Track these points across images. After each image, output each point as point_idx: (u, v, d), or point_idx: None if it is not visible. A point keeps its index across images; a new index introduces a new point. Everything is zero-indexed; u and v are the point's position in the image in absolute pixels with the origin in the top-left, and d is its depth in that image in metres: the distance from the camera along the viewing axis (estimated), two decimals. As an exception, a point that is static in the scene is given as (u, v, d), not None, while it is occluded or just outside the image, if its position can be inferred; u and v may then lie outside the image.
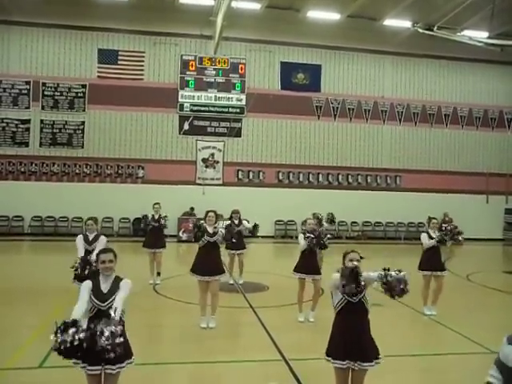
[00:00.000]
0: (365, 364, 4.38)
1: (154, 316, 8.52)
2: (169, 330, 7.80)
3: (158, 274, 11.15)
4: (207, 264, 7.73)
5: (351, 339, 4.35)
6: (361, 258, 4.61)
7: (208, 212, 8.15)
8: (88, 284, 4.38)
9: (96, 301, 4.28)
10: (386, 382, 5.77)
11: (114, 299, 4.28)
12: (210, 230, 7.90)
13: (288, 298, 9.11)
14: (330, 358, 4.46)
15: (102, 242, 7.71)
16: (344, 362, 4.38)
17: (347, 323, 4.40)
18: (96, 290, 4.33)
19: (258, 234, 20.10)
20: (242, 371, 6.17)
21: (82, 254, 7.39)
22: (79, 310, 4.15)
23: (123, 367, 4.26)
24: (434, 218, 9.22)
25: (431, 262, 8.89)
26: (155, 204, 11.37)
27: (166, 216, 11.19)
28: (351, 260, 4.49)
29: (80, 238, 7.83)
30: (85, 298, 4.29)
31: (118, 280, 4.43)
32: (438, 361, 6.71)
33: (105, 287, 4.36)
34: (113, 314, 3.99)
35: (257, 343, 7.21)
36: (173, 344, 7.28)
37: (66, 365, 5.50)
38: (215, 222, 8.01)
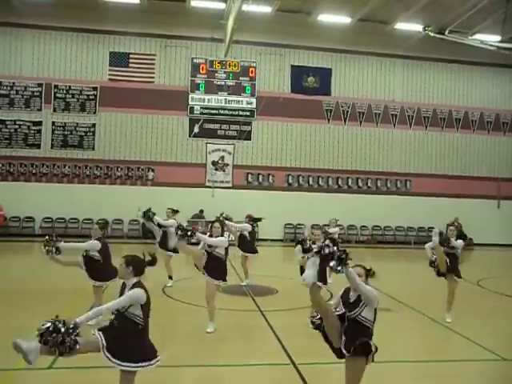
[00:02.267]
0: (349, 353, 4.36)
1: (161, 318, 8.49)
2: (177, 332, 7.80)
3: (170, 277, 11.17)
4: (207, 267, 7.70)
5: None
6: (368, 270, 4.58)
7: (214, 222, 8.13)
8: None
9: None
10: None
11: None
12: None
13: (297, 302, 9.08)
14: None
15: (89, 245, 7.73)
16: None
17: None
18: (120, 293, 4.63)
19: (267, 237, 20.11)
20: (250, 375, 6.15)
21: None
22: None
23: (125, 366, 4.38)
24: (450, 225, 9.01)
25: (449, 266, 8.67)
26: (168, 209, 11.36)
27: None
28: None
29: None
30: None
31: (134, 287, 4.57)
32: (448, 367, 6.65)
33: (127, 291, 4.56)
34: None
35: (265, 347, 7.20)
36: (181, 346, 7.28)
37: (76, 366, 5.53)
38: (222, 233, 7.95)
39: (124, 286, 4.65)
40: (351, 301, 4.44)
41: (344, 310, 4.45)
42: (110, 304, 4.45)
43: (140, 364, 4.41)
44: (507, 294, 11.63)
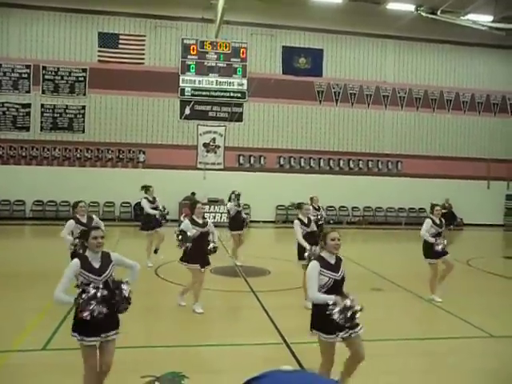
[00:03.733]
0: (357, 330, 4.46)
1: (153, 299, 8.55)
2: (169, 312, 7.84)
3: (155, 251, 11.28)
4: (203, 255, 7.69)
5: None
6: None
7: (196, 203, 8.09)
8: (76, 263, 4.42)
9: (92, 275, 4.35)
10: (386, 365, 5.82)
11: (109, 272, 4.43)
12: (200, 221, 7.83)
13: (289, 283, 9.16)
14: (322, 334, 4.53)
15: (99, 222, 7.82)
16: (332, 336, 4.48)
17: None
18: (87, 266, 4.39)
19: (260, 219, 20.20)
20: (243, 354, 6.21)
21: (71, 239, 7.43)
22: (62, 287, 4.34)
23: (119, 333, 4.47)
24: (437, 205, 9.12)
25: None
26: (149, 187, 11.55)
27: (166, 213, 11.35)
28: (333, 239, 4.53)
29: (71, 224, 7.73)
30: (70, 276, 4.42)
31: (106, 254, 4.54)
32: (438, 345, 6.76)
33: (96, 263, 4.44)
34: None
35: (258, 327, 7.26)
36: (173, 327, 7.34)
37: (70, 347, 5.55)
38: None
39: (86, 259, 4.42)
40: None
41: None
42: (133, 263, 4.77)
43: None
44: (496, 273, 11.80)
